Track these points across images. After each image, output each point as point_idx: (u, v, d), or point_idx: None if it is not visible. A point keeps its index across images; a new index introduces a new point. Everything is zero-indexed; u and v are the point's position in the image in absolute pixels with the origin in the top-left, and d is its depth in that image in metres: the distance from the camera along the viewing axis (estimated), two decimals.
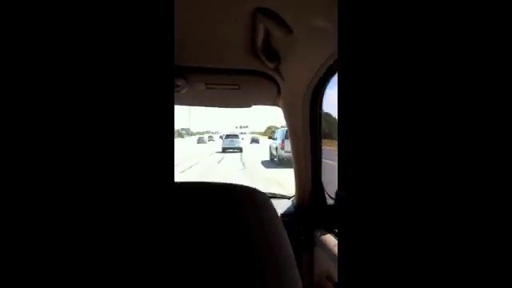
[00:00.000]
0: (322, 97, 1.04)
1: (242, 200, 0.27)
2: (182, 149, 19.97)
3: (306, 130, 1.12)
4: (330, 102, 1.08)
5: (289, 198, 1.55)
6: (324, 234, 1.24)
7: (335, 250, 1.10)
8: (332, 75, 0.89)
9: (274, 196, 1.61)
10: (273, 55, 0.86)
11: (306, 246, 1.29)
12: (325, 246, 1.17)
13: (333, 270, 1.06)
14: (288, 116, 1.12)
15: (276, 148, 10.23)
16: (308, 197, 1.36)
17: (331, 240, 1.18)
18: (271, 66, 0.88)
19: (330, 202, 1.39)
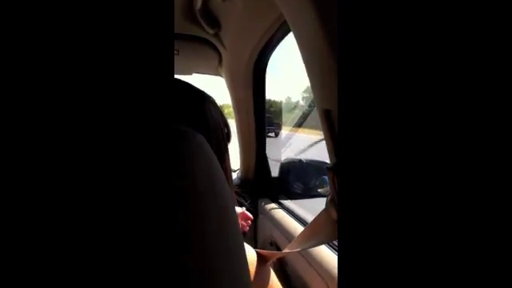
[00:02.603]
0: (266, 67, 1.03)
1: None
2: None
3: (250, 102, 1.11)
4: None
5: (234, 171, 1.56)
6: (268, 203, 1.29)
7: (278, 216, 1.15)
8: (276, 45, 0.88)
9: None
10: (212, 21, 0.82)
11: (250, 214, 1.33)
12: (268, 214, 1.22)
13: (276, 235, 1.11)
14: (231, 86, 1.10)
15: None
16: (252, 168, 1.38)
17: (275, 209, 1.23)
18: (211, 31, 0.83)
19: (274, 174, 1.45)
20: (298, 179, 1.36)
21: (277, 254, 0.64)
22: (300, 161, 1.43)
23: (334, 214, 0.52)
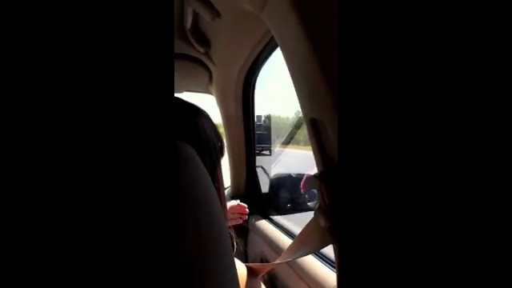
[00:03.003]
0: (255, 83, 1.06)
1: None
2: None
3: (240, 118, 1.13)
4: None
5: (224, 188, 1.55)
6: (258, 220, 1.28)
7: (269, 233, 1.14)
8: (264, 60, 0.91)
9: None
10: (202, 39, 0.85)
11: (241, 232, 1.31)
12: (259, 231, 1.21)
13: (266, 251, 1.10)
14: (221, 103, 1.12)
15: None
16: (243, 185, 1.38)
17: (266, 225, 1.22)
18: (201, 50, 0.86)
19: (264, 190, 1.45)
20: (287, 194, 1.36)
21: (267, 267, 0.64)
22: (289, 175, 1.44)
23: (323, 222, 0.53)
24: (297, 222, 1.13)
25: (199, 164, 0.27)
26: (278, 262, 0.60)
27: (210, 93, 1.16)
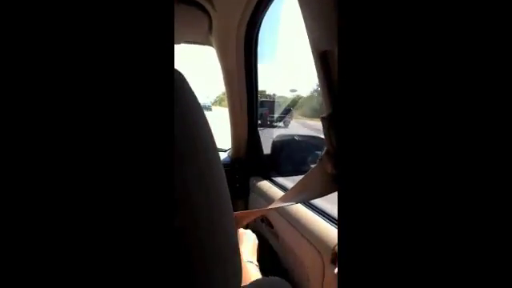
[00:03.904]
0: (258, 32, 0.98)
1: None
2: None
3: (241, 72, 1.06)
4: None
5: (225, 150, 1.52)
6: (259, 181, 1.25)
7: (270, 192, 1.12)
8: (268, 4, 0.83)
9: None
10: None
11: (242, 193, 1.29)
12: (260, 192, 1.19)
13: (267, 211, 1.08)
14: (221, 55, 1.04)
15: None
16: (244, 146, 1.34)
17: (267, 186, 1.20)
18: None
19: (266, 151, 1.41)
20: (290, 156, 1.32)
21: (251, 215, 0.61)
22: (293, 137, 1.39)
23: (329, 167, 0.48)
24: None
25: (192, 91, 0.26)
26: (273, 206, 0.56)
27: (210, 44, 1.08)
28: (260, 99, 1.70)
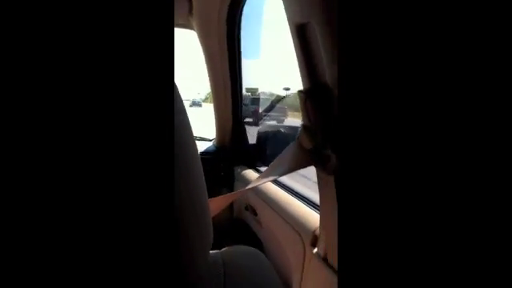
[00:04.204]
0: (241, 13, 0.95)
1: None
2: None
3: (224, 56, 1.04)
4: None
5: (210, 140, 1.49)
6: (244, 170, 1.24)
7: (255, 182, 1.11)
8: None
9: (195, 138, 1.54)
10: None
11: (226, 181, 1.28)
12: (244, 179, 1.18)
13: (252, 199, 1.07)
14: (203, 37, 1.01)
15: None
16: (229, 134, 1.32)
17: (251, 174, 1.18)
18: None
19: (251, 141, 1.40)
20: (275, 146, 1.31)
21: (225, 199, 0.59)
22: (278, 129, 1.38)
23: (306, 142, 0.47)
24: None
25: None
26: (251, 186, 0.55)
27: (191, 27, 1.05)
28: (251, 96, 1.67)
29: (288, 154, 0.51)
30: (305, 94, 0.46)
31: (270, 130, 1.42)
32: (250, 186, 0.56)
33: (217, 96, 1.23)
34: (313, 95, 0.46)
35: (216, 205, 0.57)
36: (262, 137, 1.37)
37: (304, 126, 0.47)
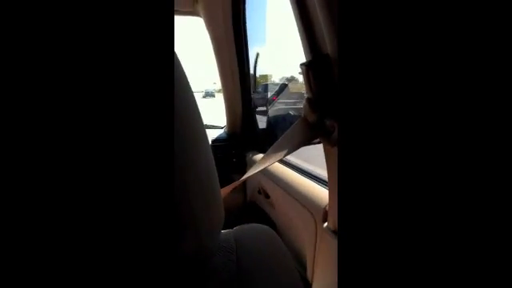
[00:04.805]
0: (245, 8, 0.95)
1: None
2: None
3: (231, 43, 1.04)
4: None
5: (221, 127, 1.51)
6: (256, 155, 1.25)
7: (260, 163, 1.12)
8: None
9: (206, 127, 1.56)
10: None
11: (239, 167, 1.29)
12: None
13: (264, 182, 1.08)
14: (208, 23, 1.02)
15: None
16: (239, 121, 1.34)
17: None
18: None
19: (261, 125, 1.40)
20: (285, 129, 1.32)
21: (229, 187, 0.59)
22: (288, 113, 1.38)
23: (310, 115, 0.47)
24: (293, 154, 1.10)
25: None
26: (254, 170, 0.55)
27: (197, 14, 1.06)
28: (263, 83, 1.66)
29: (293, 130, 0.51)
30: (306, 66, 0.46)
31: (279, 113, 1.42)
32: (256, 169, 0.56)
33: (225, 83, 1.24)
34: (314, 67, 0.46)
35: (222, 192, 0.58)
36: (271, 121, 1.38)
37: (308, 99, 0.47)
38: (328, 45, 0.43)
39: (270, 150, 0.53)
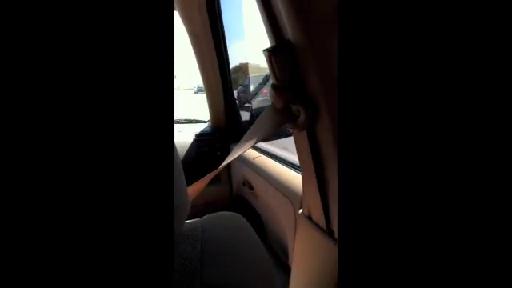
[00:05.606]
0: None
1: None
2: None
3: (208, 34, 1.04)
4: None
5: (205, 121, 1.51)
6: None
7: (250, 156, 1.12)
8: None
9: (190, 121, 1.56)
10: None
11: (223, 160, 1.30)
12: (240, 156, 1.19)
13: (248, 174, 1.09)
14: (185, 19, 1.01)
15: None
16: (222, 114, 1.33)
17: (247, 150, 1.20)
18: None
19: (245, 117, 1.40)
20: None
21: (203, 180, 0.58)
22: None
23: (277, 101, 0.48)
24: (275, 144, 1.11)
25: None
26: (230, 158, 0.56)
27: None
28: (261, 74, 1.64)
29: (263, 117, 0.51)
30: (269, 52, 0.46)
31: (263, 105, 1.43)
32: (231, 158, 0.56)
33: (206, 77, 1.23)
34: (277, 52, 0.46)
35: (195, 188, 0.57)
36: (255, 113, 1.38)
37: (273, 85, 0.47)
38: (289, 30, 0.43)
39: (243, 137, 0.54)
